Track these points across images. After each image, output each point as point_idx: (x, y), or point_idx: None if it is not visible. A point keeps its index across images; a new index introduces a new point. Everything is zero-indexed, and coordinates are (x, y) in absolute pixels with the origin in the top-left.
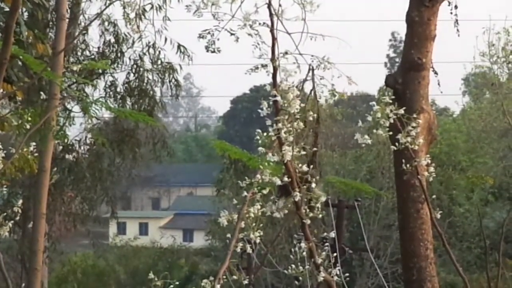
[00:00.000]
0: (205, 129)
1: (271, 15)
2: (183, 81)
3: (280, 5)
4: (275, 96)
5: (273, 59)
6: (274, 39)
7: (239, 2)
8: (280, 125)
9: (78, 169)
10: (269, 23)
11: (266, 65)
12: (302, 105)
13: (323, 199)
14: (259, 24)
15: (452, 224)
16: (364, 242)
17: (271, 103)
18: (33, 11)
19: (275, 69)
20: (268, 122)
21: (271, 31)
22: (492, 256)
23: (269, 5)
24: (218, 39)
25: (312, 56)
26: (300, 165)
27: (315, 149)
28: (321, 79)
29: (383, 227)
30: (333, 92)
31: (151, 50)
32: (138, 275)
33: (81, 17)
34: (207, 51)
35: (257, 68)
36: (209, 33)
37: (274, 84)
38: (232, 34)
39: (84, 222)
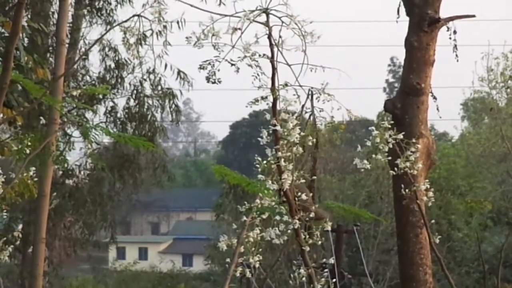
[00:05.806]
0: (205, 154)
1: (271, 45)
2: (182, 106)
3: (280, 36)
4: (275, 125)
5: (273, 90)
6: (274, 69)
7: (239, 33)
8: (280, 154)
9: (78, 194)
10: (269, 53)
11: (266, 97)
12: (302, 134)
13: (328, 227)
14: (259, 55)
15: (451, 249)
16: (363, 267)
17: (270, 131)
18: (33, 36)
19: (275, 99)
20: (267, 149)
21: (271, 61)
22: (490, 281)
23: (269, 35)
24: (218, 70)
25: (312, 88)
26: (299, 193)
27: (314, 177)
28: (320, 111)
29: (382, 252)
30: (334, 125)
31: (151, 76)
32: None
33: (81, 42)
34: (208, 81)
35: (257, 100)
36: (209, 63)
37: (273, 113)
38: (232, 64)
39: (84, 247)
